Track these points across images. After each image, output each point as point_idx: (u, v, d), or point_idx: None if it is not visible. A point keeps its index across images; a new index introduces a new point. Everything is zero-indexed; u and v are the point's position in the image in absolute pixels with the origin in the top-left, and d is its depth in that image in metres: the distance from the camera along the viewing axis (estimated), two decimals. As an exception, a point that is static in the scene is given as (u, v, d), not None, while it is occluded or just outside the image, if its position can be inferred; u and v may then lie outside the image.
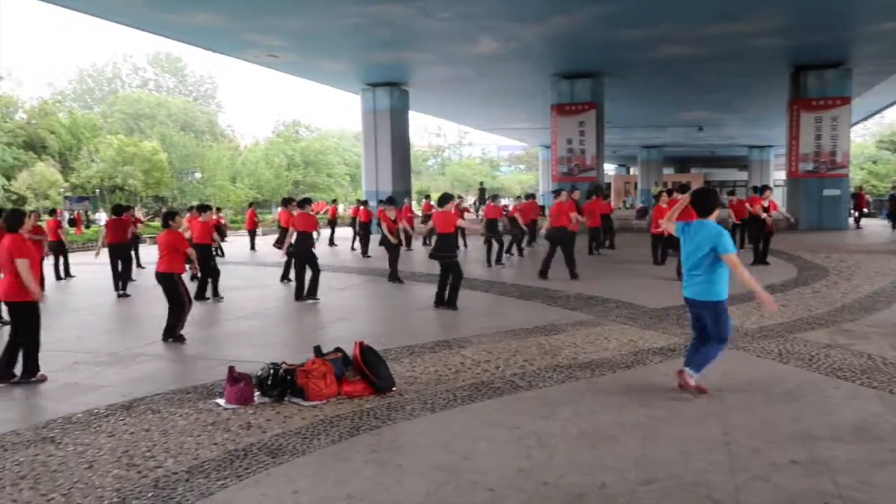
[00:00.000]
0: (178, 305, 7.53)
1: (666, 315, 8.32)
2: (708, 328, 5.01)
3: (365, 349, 5.39)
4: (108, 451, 4.21)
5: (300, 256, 10.19)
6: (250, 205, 23.66)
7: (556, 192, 12.43)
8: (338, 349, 5.60)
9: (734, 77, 23.71)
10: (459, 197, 20.95)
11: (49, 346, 7.43)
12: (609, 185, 41.34)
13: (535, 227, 17.92)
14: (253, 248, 20.05)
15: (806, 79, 22.38)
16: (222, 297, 10.59)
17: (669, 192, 14.05)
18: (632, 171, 61.70)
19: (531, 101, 28.11)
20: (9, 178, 34.08)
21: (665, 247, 13.46)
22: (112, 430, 4.62)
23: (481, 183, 28.78)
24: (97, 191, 38.15)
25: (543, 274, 11.73)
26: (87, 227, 26.91)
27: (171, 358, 6.93)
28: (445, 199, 9.59)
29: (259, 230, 22.04)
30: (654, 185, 43.10)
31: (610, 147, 37.91)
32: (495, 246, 14.47)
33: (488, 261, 14.36)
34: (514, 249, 15.95)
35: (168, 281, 7.54)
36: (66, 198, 33.03)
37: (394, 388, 5.30)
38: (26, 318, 6.04)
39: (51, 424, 4.76)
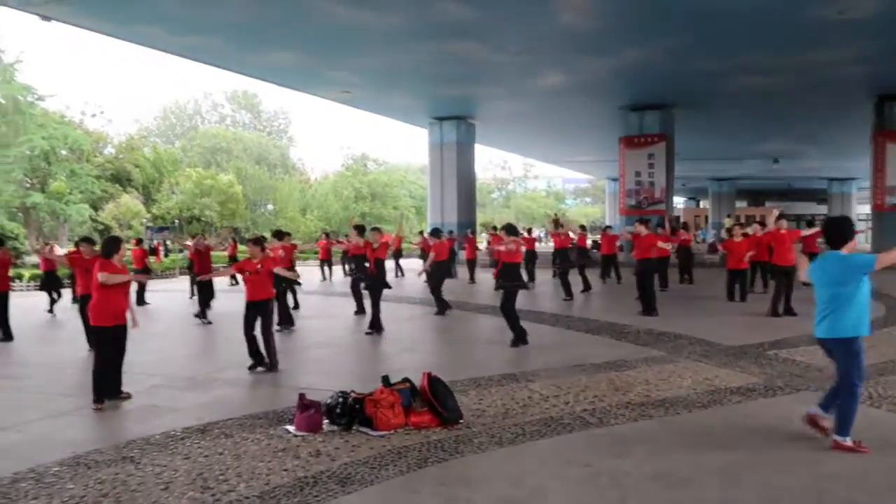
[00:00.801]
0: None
1: (743, 353, 7.97)
2: (838, 369, 4.65)
3: (433, 380, 5.38)
4: (183, 473, 4.31)
5: (375, 284, 10.25)
6: (326, 235, 24.17)
7: (642, 223, 12.13)
8: (405, 379, 5.60)
9: (813, 107, 22.90)
10: (528, 230, 20.74)
11: (130, 368, 7.73)
12: (678, 217, 40.42)
13: (614, 260, 17.70)
14: (325, 278, 20.42)
15: (892, 109, 21.40)
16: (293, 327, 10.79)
17: (742, 226, 13.59)
18: (702, 204, 60.08)
19: (598, 133, 27.92)
20: (97, 209, 36.08)
21: (742, 283, 12.99)
22: (187, 452, 4.73)
23: (555, 214, 28.56)
24: (176, 221, 39.92)
25: (650, 311, 11.40)
26: (167, 255, 28.12)
27: (243, 384, 7.09)
28: (513, 228, 9.56)
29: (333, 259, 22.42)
30: (727, 217, 41.81)
31: (679, 179, 37.11)
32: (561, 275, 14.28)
33: (568, 293, 14.07)
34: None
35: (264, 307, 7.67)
36: (147, 228, 34.68)
37: (461, 421, 5.25)
38: (105, 341, 6.25)
39: (131, 445, 4.92)
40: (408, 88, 21.27)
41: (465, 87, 20.74)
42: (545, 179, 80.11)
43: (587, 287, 15.38)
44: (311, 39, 15.71)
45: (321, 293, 16.92)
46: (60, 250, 18.84)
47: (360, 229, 12.65)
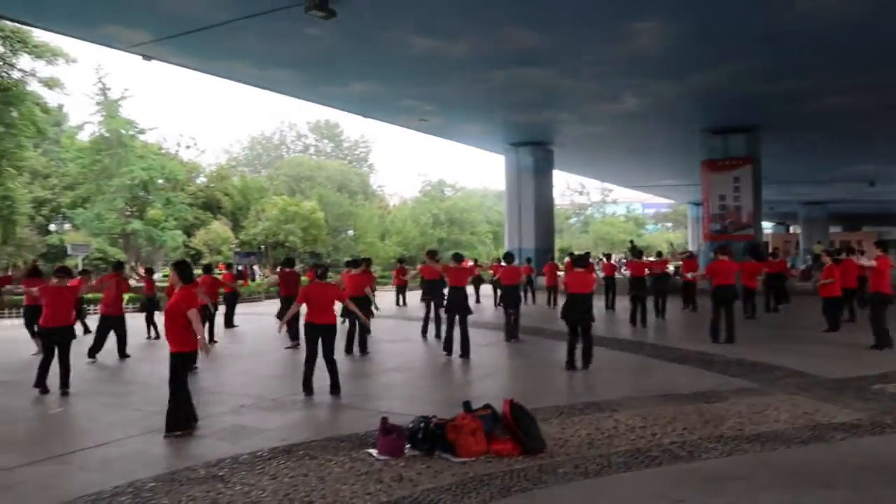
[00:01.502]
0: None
1: (844, 387, 7.48)
2: None
3: (515, 407, 5.31)
4: (270, 493, 4.40)
5: (452, 309, 10.26)
6: (399, 261, 24.50)
7: (721, 250, 11.70)
8: (487, 406, 5.55)
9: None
10: (606, 255, 20.30)
11: (220, 389, 8.05)
12: (766, 243, 38.67)
13: (694, 287, 17.07)
14: (401, 303, 20.63)
15: None
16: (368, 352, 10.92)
17: (838, 253, 12.83)
18: (791, 229, 57.29)
19: (678, 156, 27.19)
20: (189, 235, 37.93)
21: (839, 311, 12.26)
22: (274, 472, 4.84)
23: (631, 241, 27.95)
24: (262, 247, 41.45)
25: (715, 336, 10.99)
26: (253, 279, 29.18)
27: (325, 406, 7.21)
28: (584, 259, 9.41)
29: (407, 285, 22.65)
30: (817, 243, 39.68)
31: (767, 203, 35.57)
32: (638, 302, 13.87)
33: (633, 319, 13.75)
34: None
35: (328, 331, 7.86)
36: (235, 253, 36.14)
37: (544, 450, 5.14)
38: (183, 366, 6.37)
39: (220, 463, 5.07)
40: (482, 115, 21.41)
41: (539, 112, 20.69)
42: (624, 204, 78.58)
43: (662, 313, 14.99)
44: (386, 69, 16.10)
45: (397, 318, 17.09)
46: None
47: (433, 254, 12.80)
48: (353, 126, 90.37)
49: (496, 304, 18.90)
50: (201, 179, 44.68)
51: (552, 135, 24.68)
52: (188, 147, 45.18)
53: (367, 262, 12.32)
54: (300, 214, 40.30)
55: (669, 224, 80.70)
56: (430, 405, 6.93)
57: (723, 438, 5.50)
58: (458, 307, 10.16)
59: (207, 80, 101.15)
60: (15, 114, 24.22)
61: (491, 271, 21.83)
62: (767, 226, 57.93)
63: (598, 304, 16.05)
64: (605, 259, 23.03)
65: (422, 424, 5.24)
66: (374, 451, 5.21)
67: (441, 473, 4.74)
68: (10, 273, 10.43)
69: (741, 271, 13.55)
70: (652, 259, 18.53)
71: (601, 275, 18.05)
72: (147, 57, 15.06)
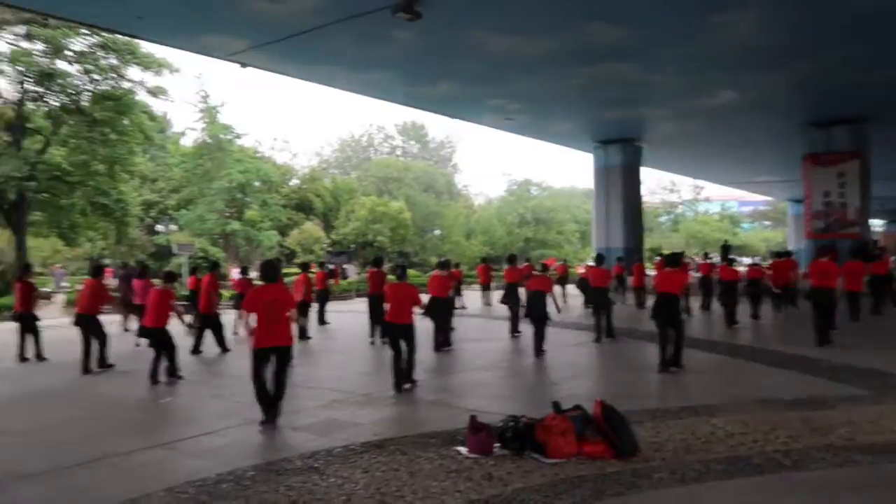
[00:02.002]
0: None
1: (972, 397, 6.87)
2: None
3: (607, 408, 5.19)
4: (363, 487, 4.50)
5: (534, 313, 10.22)
6: (483, 260, 24.50)
7: (824, 250, 11.04)
8: (577, 406, 5.45)
9: None
10: (704, 254, 19.31)
11: (314, 384, 8.31)
12: (876, 242, 36.11)
13: (794, 288, 16.14)
14: (489, 302, 20.61)
15: None
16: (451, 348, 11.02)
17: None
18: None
19: (777, 152, 25.87)
20: (284, 235, 39.44)
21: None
22: (366, 466, 4.94)
23: (726, 240, 26.75)
24: (352, 246, 42.56)
25: (821, 339, 10.38)
26: (344, 278, 30.00)
27: (413, 403, 7.30)
28: (675, 258, 9.09)
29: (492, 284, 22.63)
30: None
31: (876, 200, 33.17)
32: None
33: (729, 322, 13.16)
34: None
35: (406, 331, 7.99)
36: (327, 252, 37.27)
37: (638, 453, 5.00)
38: (289, 361, 6.65)
39: (315, 455, 5.23)
40: (570, 113, 21.11)
41: (628, 109, 20.18)
42: (718, 202, 75.41)
43: (756, 316, 14.28)
44: (471, 69, 16.14)
45: (483, 316, 17.09)
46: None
47: (512, 258, 12.89)
48: (439, 127, 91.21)
49: (585, 305, 18.57)
50: (294, 181, 46.34)
51: (641, 131, 24.03)
52: (282, 150, 47.07)
53: (450, 263, 12.51)
54: (388, 215, 41.10)
55: (768, 222, 76.83)
56: (517, 404, 6.89)
57: (832, 448, 5.16)
58: (539, 311, 10.11)
59: (299, 85, 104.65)
60: (126, 122, 25.90)
61: (579, 271, 21.50)
62: (878, 223, 54.08)
63: (694, 305, 15.61)
64: (701, 258, 22.11)
65: (511, 423, 5.21)
66: (463, 449, 5.22)
67: (531, 473, 4.70)
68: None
69: (843, 272, 12.71)
70: (750, 264, 17.65)
71: (697, 274, 17.37)
72: (244, 64, 15.74)
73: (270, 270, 6.86)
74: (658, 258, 24.76)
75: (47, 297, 15.01)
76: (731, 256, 16.49)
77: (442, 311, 10.97)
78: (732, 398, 6.94)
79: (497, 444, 5.19)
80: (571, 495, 4.27)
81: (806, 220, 22.80)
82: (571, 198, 64.61)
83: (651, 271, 25.38)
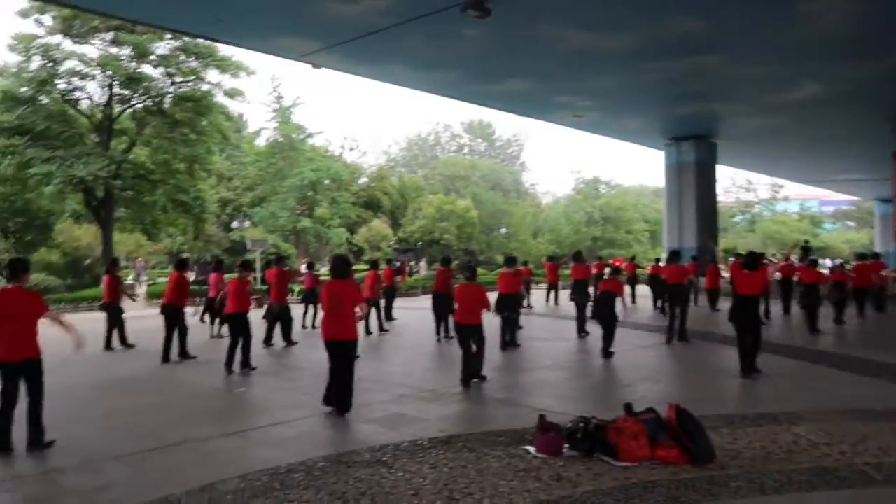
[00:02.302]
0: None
1: None
2: None
3: (681, 412, 5.02)
4: (430, 482, 4.50)
5: (602, 313, 10.03)
6: (549, 258, 24.21)
7: None
8: (650, 409, 5.29)
9: None
10: (784, 256, 18.32)
11: (382, 378, 8.40)
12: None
13: (882, 291, 15.25)
14: (556, 302, 20.37)
15: None
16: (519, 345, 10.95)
17: None
18: None
19: (864, 148, 24.46)
20: (352, 232, 40.14)
21: None
22: (434, 462, 4.94)
23: (806, 241, 25.50)
24: (419, 244, 42.91)
25: None
26: (411, 275, 30.27)
27: (480, 400, 7.28)
28: (754, 259, 8.72)
29: (560, 284, 22.32)
30: None
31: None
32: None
33: (811, 327, 12.56)
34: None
35: (475, 331, 7.99)
36: (394, 250, 37.72)
37: (714, 460, 4.81)
38: (353, 354, 6.74)
39: (383, 449, 5.27)
40: (642, 109, 20.59)
41: (705, 104, 19.50)
42: (797, 201, 72.11)
43: (840, 321, 13.55)
44: (542, 66, 15.94)
45: (550, 316, 16.89)
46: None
47: (578, 256, 12.68)
48: (506, 125, 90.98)
49: (655, 305, 18.09)
50: (363, 180, 47.05)
51: (717, 127, 23.19)
52: (351, 149, 47.94)
53: (517, 260, 12.40)
54: (455, 213, 41.23)
55: (852, 223, 72.96)
56: (585, 405, 6.77)
57: (928, 463, 4.83)
58: (605, 311, 9.91)
59: (369, 84, 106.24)
60: (204, 122, 26.95)
61: (648, 270, 20.95)
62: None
63: (775, 308, 14.99)
64: (783, 259, 21.12)
65: (581, 424, 5.11)
66: (531, 448, 5.16)
67: (601, 476, 4.59)
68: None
69: None
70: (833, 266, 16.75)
71: (777, 276, 16.68)
72: (316, 65, 16.06)
73: (339, 266, 6.97)
74: (732, 259, 23.87)
75: (132, 292, 15.73)
76: (813, 258, 15.72)
77: (510, 309, 10.92)
78: (816, 406, 6.60)
79: (566, 445, 5.10)
80: (644, 500, 4.14)
81: (895, 220, 21.51)
82: (641, 196, 63.20)
83: (725, 273, 24.58)
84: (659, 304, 17.51)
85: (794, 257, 19.82)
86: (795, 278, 15.33)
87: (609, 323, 9.93)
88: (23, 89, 23.83)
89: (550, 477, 4.57)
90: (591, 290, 12.97)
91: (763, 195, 72.09)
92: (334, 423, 6.27)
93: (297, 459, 5.00)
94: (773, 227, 64.16)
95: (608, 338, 9.93)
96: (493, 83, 17.63)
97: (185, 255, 12.24)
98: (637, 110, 20.65)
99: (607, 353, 9.88)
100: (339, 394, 6.59)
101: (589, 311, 11.90)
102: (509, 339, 10.90)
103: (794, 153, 27.66)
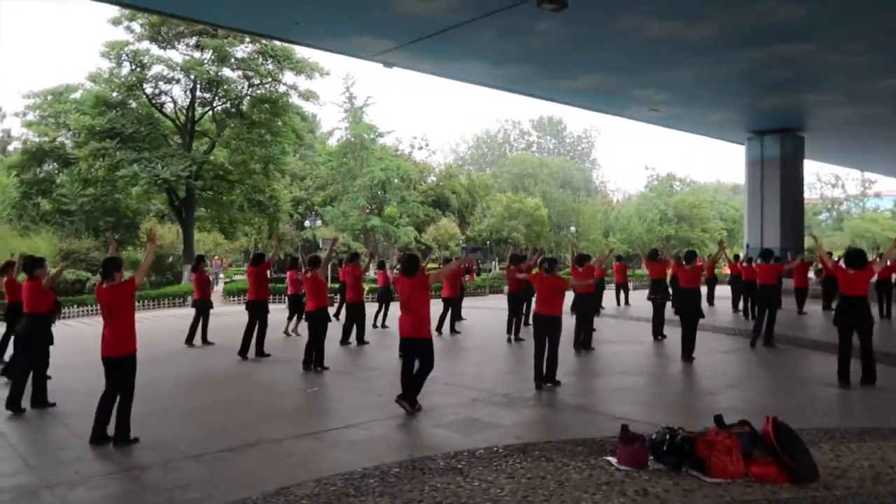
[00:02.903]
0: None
1: None
2: None
3: (780, 427, 4.66)
4: (509, 493, 4.32)
5: (685, 313, 9.60)
6: (618, 259, 23.56)
7: None
8: (744, 422, 4.95)
9: None
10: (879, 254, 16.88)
11: (453, 380, 8.28)
12: None
13: None
14: (623, 302, 19.79)
15: None
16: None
17: None
18: None
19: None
20: (420, 231, 40.32)
21: None
22: (511, 471, 4.76)
23: (898, 238, 23.79)
24: (487, 242, 42.70)
25: None
26: (479, 274, 30.13)
27: (555, 406, 7.04)
28: (859, 257, 8.10)
29: (630, 284, 21.66)
30: None
31: None
32: None
33: None
34: None
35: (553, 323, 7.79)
36: (462, 248, 37.65)
37: (817, 479, 4.44)
38: (428, 353, 6.69)
39: (458, 456, 5.13)
40: (724, 101, 19.72)
41: (792, 95, 18.49)
42: (891, 198, 67.89)
43: None
44: (619, 59, 15.44)
45: (620, 317, 16.37)
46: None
47: (654, 254, 12.22)
48: (576, 121, 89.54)
49: (735, 307, 17.29)
50: (431, 178, 47.21)
51: (804, 119, 21.98)
52: (420, 148, 48.22)
53: (588, 258, 12.07)
54: (524, 211, 40.80)
55: (952, 221, 68.14)
56: (668, 413, 6.45)
57: None
58: (690, 310, 9.47)
59: (438, 83, 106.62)
60: (280, 123, 27.59)
61: (726, 270, 20.08)
62: None
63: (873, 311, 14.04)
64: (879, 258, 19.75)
65: (667, 436, 4.81)
66: (613, 460, 4.90)
67: (692, 493, 4.29)
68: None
69: None
70: None
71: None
72: (388, 64, 16.11)
73: (408, 263, 6.91)
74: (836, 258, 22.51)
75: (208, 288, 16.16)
76: None
77: (587, 308, 10.66)
78: (927, 422, 6.05)
79: (651, 458, 4.82)
80: (740, 522, 3.84)
81: None
82: (717, 193, 60.98)
83: (811, 275, 23.34)
84: (740, 305, 16.72)
85: None
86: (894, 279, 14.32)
87: (692, 320, 9.49)
88: (114, 94, 25.06)
89: (636, 492, 4.31)
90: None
91: (851, 191, 68.32)
92: (407, 427, 6.19)
93: (372, 464, 4.92)
94: (864, 225, 60.63)
95: (689, 340, 9.49)
96: (567, 78, 17.24)
97: (264, 252, 12.39)
98: (718, 103, 19.81)
99: (688, 357, 9.46)
100: (410, 385, 6.62)
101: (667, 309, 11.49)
102: (584, 339, 10.60)
103: (890, 145, 25.96)
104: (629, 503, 4.13)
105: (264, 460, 5.18)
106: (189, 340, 11.86)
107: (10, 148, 37.57)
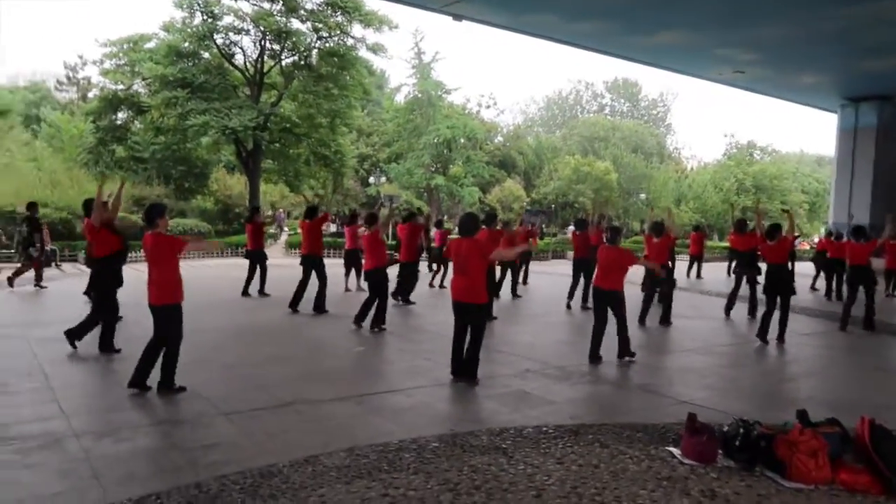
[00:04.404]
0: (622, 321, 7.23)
1: None
2: None
3: (877, 429, 4.04)
4: (556, 481, 3.89)
5: (773, 287, 8.78)
6: (695, 228, 22.41)
7: None
8: (833, 421, 4.34)
9: None
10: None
11: (507, 349, 7.86)
12: None
13: None
14: (696, 275, 18.80)
15: None
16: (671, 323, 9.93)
17: None
18: None
19: None
20: (484, 192, 39.70)
21: None
22: (560, 455, 4.32)
23: None
24: (552, 206, 41.76)
25: None
26: (542, 238, 29.42)
27: (616, 383, 6.54)
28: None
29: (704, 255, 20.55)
30: None
31: None
32: None
33: None
34: None
35: (613, 298, 7.24)
36: (526, 210, 36.90)
37: (919, 494, 3.82)
38: (480, 319, 6.28)
39: (504, 434, 4.71)
40: (817, 64, 18.18)
41: (893, 57, 16.82)
42: None
43: None
44: (702, 14, 14.29)
45: (692, 290, 15.49)
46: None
47: (742, 224, 11.26)
48: (652, 84, 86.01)
49: (813, 286, 16.13)
50: (498, 139, 46.30)
51: (907, 85, 20.13)
52: (488, 107, 47.20)
53: (664, 226, 11.20)
54: (592, 175, 39.63)
55: None
56: (741, 401, 5.87)
57: None
58: (780, 287, 8.65)
59: (509, 40, 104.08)
60: (348, 77, 27.28)
61: (807, 246, 18.79)
62: None
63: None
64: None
65: (742, 430, 4.26)
66: (676, 451, 4.39)
67: (767, 499, 3.75)
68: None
69: None
70: None
71: None
72: (457, 17, 15.45)
73: (467, 223, 6.43)
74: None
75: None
76: None
77: (663, 281, 9.98)
78: None
79: (720, 452, 4.29)
80: (826, 540, 3.30)
81: None
82: (800, 164, 57.81)
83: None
84: (819, 284, 15.58)
85: None
86: None
87: (785, 297, 8.70)
88: (185, 44, 25.26)
89: (701, 492, 3.80)
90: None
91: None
92: (452, 396, 5.83)
93: (410, 436, 4.57)
94: (962, 204, 56.16)
95: (782, 318, 8.71)
96: (645, 35, 16.16)
97: (316, 203, 12.13)
98: (810, 65, 18.30)
99: (782, 338, 8.70)
100: (465, 363, 6.20)
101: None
102: (663, 315, 9.93)
103: None
104: (693, 505, 3.64)
105: (298, 422, 4.91)
106: (245, 291, 11.82)
107: (91, 95, 38.70)
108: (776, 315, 8.73)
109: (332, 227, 30.06)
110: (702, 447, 4.25)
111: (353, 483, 3.79)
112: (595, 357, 7.20)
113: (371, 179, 37.66)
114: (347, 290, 12.69)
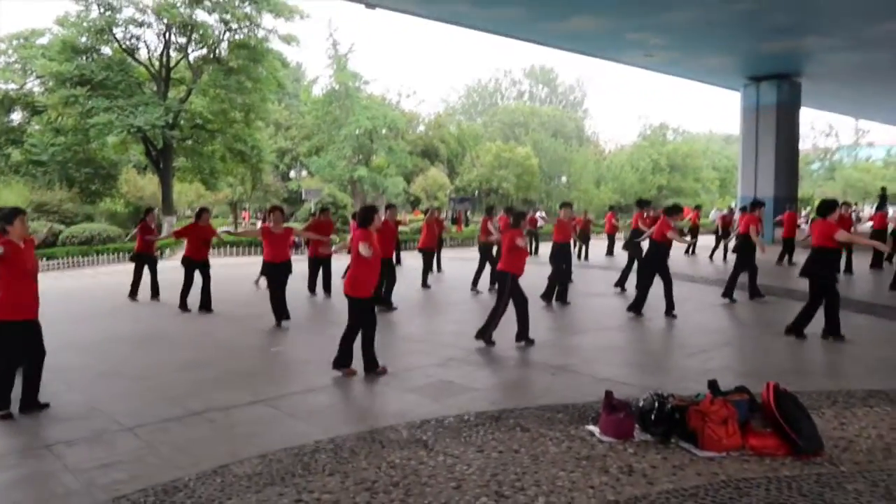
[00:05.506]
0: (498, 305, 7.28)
1: None
2: None
3: (780, 394, 4.16)
4: (476, 471, 3.83)
5: (650, 264, 9.11)
6: (610, 208, 22.97)
7: None
8: (741, 388, 4.46)
9: None
10: (846, 204, 16.05)
11: (429, 338, 7.77)
12: None
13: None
14: (610, 252, 19.33)
15: None
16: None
17: None
18: None
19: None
20: (409, 181, 39.45)
21: None
22: (481, 443, 4.26)
23: (883, 189, 23.12)
24: (476, 193, 41.97)
25: None
26: (467, 225, 29.55)
27: (535, 366, 6.54)
28: (827, 206, 7.60)
29: (619, 234, 21.15)
30: None
31: None
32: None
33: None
34: None
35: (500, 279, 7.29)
36: (450, 199, 36.95)
37: (822, 453, 3.97)
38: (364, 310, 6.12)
39: (424, 426, 4.62)
40: (721, 46, 18.95)
41: (791, 39, 17.71)
42: (883, 147, 67.20)
43: None
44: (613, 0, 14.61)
45: (611, 269, 15.84)
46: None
47: (642, 204, 11.84)
48: (569, 70, 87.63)
49: (721, 257, 16.87)
50: (420, 128, 46.08)
51: (803, 65, 21.26)
52: (408, 97, 46.84)
53: (571, 206, 11.48)
54: (514, 160, 40.00)
55: (947, 170, 67.67)
56: (657, 375, 6.00)
57: None
58: (656, 262, 9.03)
59: (426, 30, 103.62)
60: (260, 70, 26.40)
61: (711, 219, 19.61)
62: None
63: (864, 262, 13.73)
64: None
65: (656, 404, 4.32)
66: (595, 429, 4.42)
67: (682, 470, 3.81)
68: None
69: None
70: None
71: (866, 227, 15.14)
72: (370, 5, 15.17)
73: (360, 214, 6.28)
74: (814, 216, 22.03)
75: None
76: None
77: (562, 259, 10.23)
78: (934, 382, 5.59)
79: (637, 428, 4.34)
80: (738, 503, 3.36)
81: None
82: (710, 143, 60.27)
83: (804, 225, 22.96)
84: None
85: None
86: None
87: (663, 274, 9.07)
88: (82, 39, 23.81)
89: (619, 469, 3.83)
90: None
91: (845, 140, 67.50)
92: (373, 392, 5.69)
93: (327, 436, 4.41)
94: (856, 174, 60.25)
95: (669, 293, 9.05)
96: (558, 20, 16.38)
97: (325, 206, 11.68)
98: (716, 47, 19.07)
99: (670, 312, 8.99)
100: (366, 359, 6.08)
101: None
102: (561, 292, 10.12)
103: (889, 92, 25.26)
104: (612, 483, 3.65)
105: (208, 432, 4.66)
106: (132, 295, 11.20)
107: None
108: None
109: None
110: (619, 423, 4.29)
111: (265, 491, 3.60)
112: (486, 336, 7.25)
113: (292, 174, 36.78)
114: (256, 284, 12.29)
